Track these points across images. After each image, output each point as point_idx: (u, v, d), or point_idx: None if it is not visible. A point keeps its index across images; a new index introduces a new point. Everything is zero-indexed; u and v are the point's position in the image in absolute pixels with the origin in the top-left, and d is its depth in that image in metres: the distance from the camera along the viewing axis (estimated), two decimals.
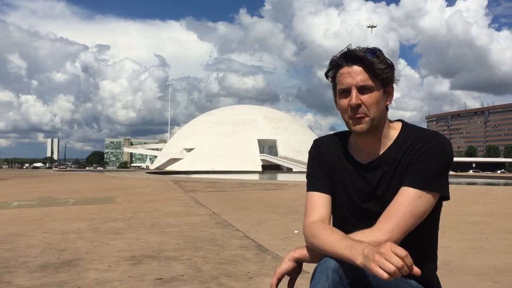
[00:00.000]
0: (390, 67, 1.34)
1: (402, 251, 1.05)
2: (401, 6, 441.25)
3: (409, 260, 1.04)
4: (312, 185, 1.45)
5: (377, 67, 1.31)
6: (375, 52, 1.32)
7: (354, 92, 1.30)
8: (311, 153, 1.50)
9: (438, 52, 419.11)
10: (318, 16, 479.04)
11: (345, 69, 1.32)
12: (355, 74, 1.30)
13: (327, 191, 1.43)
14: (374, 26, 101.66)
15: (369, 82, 1.30)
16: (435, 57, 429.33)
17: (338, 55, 1.35)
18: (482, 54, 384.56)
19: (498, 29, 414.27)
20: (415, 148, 1.31)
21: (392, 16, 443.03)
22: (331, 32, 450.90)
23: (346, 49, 1.35)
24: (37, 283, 3.10)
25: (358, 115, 1.31)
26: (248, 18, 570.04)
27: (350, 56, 1.32)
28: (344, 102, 1.33)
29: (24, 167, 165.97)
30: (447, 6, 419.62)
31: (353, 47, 1.36)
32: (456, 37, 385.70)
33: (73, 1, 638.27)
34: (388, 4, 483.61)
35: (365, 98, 1.31)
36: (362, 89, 1.30)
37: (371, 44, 1.39)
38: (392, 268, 1.02)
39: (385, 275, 1.02)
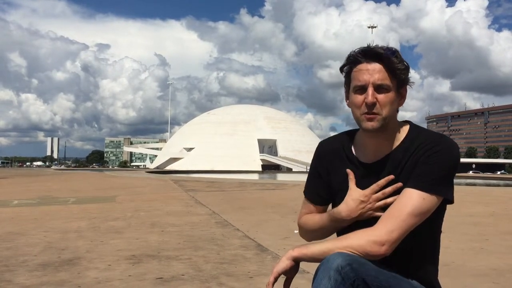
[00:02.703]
0: (407, 68, 1.34)
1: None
2: (401, 7, 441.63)
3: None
4: (307, 193, 1.53)
5: (396, 67, 1.30)
6: (394, 52, 1.31)
7: (370, 89, 1.29)
8: (313, 156, 1.53)
9: (439, 53, 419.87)
10: (319, 16, 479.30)
11: (363, 66, 1.31)
12: (374, 72, 1.29)
13: (320, 203, 1.50)
14: (375, 27, 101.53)
15: (387, 82, 1.29)
16: (436, 58, 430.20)
17: (356, 51, 1.33)
18: (483, 55, 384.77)
19: (499, 30, 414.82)
20: (422, 150, 1.31)
21: (393, 17, 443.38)
22: (331, 32, 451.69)
23: (366, 46, 1.34)
24: (37, 281, 3.10)
25: (372, 113, 1.30)
26: (249, 18, 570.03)
27: (370, 53, 1.31)
28: (359, 98, 1.32)
29: (34, 165, 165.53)
30: (448, 6, 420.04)
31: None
32: (456, 38, 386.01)
33: (73, 0, 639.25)
34: (388, 4, 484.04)
35: (380, 97, 1.30)
36: (379, 88, 1.29)
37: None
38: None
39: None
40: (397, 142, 1.37)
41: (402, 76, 1.32)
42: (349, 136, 1.46)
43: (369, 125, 1.31)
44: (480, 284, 3.16)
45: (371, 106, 1.30)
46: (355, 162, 1.41)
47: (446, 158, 1.29)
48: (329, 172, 1.46)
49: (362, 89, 1.31)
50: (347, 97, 1.38)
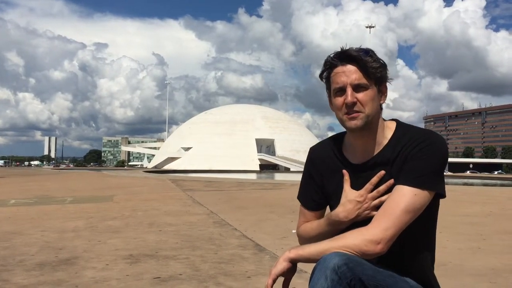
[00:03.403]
0: (383, 66, 1.37)
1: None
2: (399, 7, 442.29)
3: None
4: (301, 199, 1.55)
5: (371, 66, 1.33)
6: (368, 52, 1.35)
7: (349, 90, 1.32)
8: (305, 162, 1.56)
9: (436, 53, 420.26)
10: (317, 16, 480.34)
11: (339, 69, 1.35)
12: (350, 73, 1.33)
13: (315, 208, 1.52)
14: (373, 26, 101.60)
15: (364, 81, 1.33)
16: (433, 58, 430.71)
17: (331, 56, 1.37)
18: (480, 55, 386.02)
19: (496, 30, 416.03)
20: (410, 146, 1.32)
21: (391, 17, 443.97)
22: (329, 32, 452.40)
23: (340, 50, 1.37)
24: (34, 281, 3.09)
25: (353, 112, 1.33)
26: (247, 18, 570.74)
27: (344, 56, 1.35)
28: (339, 100, 1.35)
29: (33, 165, 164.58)
30: (445, 6, 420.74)
31: (347, 47, 1.38)
32: (454, 38, 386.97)
33: None
34: (386, 4, 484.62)
35: (360, 96, 1.33)
36: (357, 87, 1.33)
37: (369, 45, 1.41)
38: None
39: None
40: (384, 141, 1.39)
41: (378, 74, 1.35)
42: (338, 139, 1.49)
43: (352, 123, 1.34)
44: (478, 283, 3.16)
45: (351, 106, 1.33)
46: (346, 164, 1.43)
47: (435, 153, 1.30)
48: (322, 176, 1.48)
49: (342, 91, 1.34)
50: (331, 102, 1.41)
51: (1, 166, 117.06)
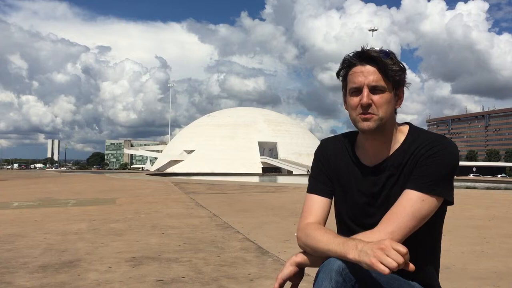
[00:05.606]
0: (403, 70, 1.34)
1: (403, 248, 1.08)
2: (402, 10, 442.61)
3: (408, 257, 1.08)
4: (312, 187, 1.46)
5: (390, 69, 1.31)
6: (388, 54, 1.32)
7: (365, 91, 1.30)
8: (316, 153, 1.51)
9: (439, 56, 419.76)
10: (319, 19, 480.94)
11: (358, 68, 1.32)
12: (368, 74, 1.30)
13: (326, 194, 1.44)
14: (375, 30, 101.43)
15: (381, 83, 1.30)
16: (436, 61, 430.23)
17: (351, 54, 1.35)
18: (483, 58, 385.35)
19: (499, 33, 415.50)
20: (421, 151, 1.31)
21: (393, 20, 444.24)
22: (332, 35, 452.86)
23: (360, 49, 1.34)
24: (37, 283, 3.09)
25: (368, 113, 1.31)
26: (249, 21, 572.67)
27: (364, 56, 1.32)
28: (355, 100, 1.33)
29: (37, 167, 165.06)
30: (448, 9, 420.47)
31: (368, 47, 1.35)
32: (456, 41, 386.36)
33: (75, 2, 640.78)
34: (389, 7, 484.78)
35: (376, 98, 1.30)
36: (374, 89, 1.30)
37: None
38: (394, 264, 1.05)
39: (387, 270, 1.05)
40: (396, 144, 1.37)
41: (397, 78, 1.32)
42: (351, 137, 1.47)
43: (365, 125, 1.32)
44: (481, 287, 3.15)
45: (366, 107, 1.31)
46: (357, 164, 1.41)
47: (445, 159, 1.29)
48: (334, 166, 1.45)
49: (358, 91, 1.32)
50: (345, 101, 1.39)
51: (16, 169, 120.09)
